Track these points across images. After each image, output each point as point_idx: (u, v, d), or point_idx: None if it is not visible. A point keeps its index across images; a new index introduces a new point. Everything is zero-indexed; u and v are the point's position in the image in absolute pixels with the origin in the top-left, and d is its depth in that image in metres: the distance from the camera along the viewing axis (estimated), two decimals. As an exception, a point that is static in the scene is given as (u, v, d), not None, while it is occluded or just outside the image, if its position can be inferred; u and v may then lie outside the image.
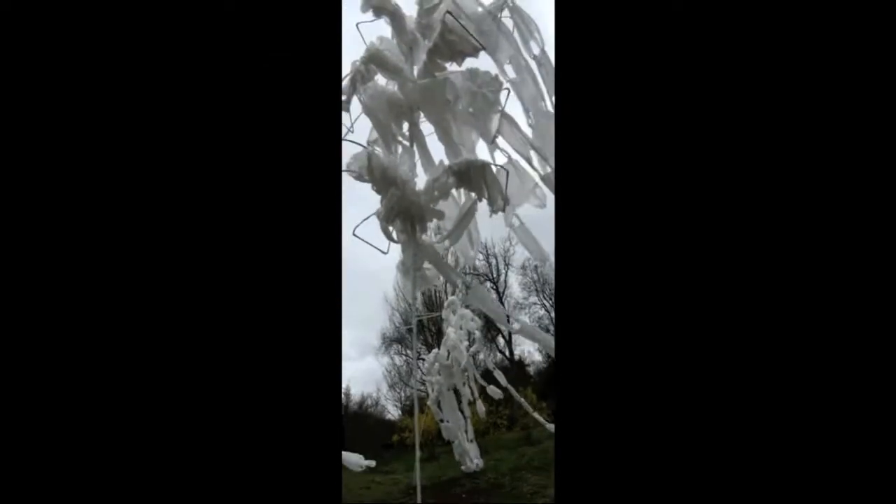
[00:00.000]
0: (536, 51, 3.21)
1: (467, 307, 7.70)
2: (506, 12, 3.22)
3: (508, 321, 4.00)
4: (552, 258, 3.42)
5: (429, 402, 8.44)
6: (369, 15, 3.38)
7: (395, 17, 3.38)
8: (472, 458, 8.38)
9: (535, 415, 8.15)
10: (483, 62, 3.24)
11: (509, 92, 3.14)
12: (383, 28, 3.45)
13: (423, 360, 8.48)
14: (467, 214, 3.21)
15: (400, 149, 3.36)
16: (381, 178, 2.82)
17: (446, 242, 3.47)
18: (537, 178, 3.30)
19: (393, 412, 23.76)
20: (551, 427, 6.51)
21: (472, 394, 8.25)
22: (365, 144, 3.21)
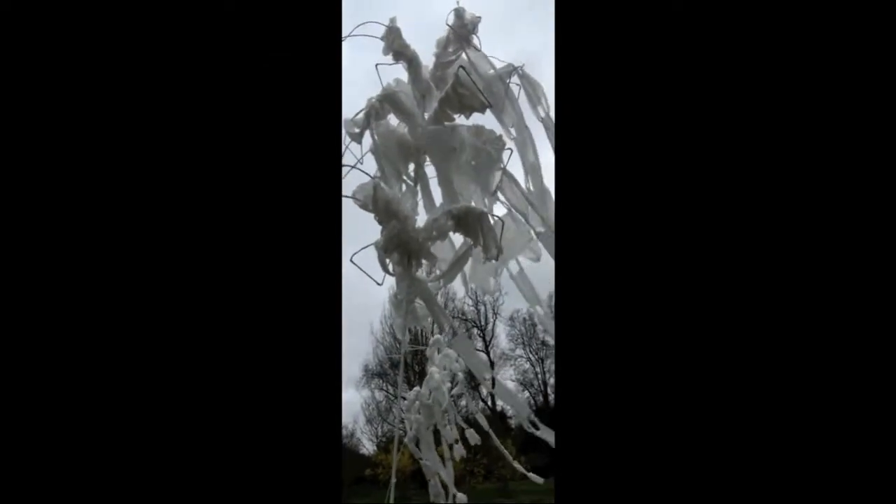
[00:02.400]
0: (542, 114, 3.43)
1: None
2: (515, 78, 3.45)
3: (486, 378, 3.99)
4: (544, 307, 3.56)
5: (406, 440, 8.35)
6: (389, 58, 3.60)
7: (413, 64, 3.62)
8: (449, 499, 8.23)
9: (516, 464, 8.02)
10: (488, 121, 3.44)
11: (511, 152, 3.34)
12: (401, 72, 3.68)
13: (405, 397, 8.42)
14: (462, 258, 3.33)
15: (404, 187, 3.54)
16: (384, 209, 2.97)
17: (441, 282, 3.58)
18: (533, 233, 3.44)
19: (368, 446, 23.36)
20: (533, 477, 6.43)
21: (451, 435, 8.16)
22: (372, 175, 3.36)
